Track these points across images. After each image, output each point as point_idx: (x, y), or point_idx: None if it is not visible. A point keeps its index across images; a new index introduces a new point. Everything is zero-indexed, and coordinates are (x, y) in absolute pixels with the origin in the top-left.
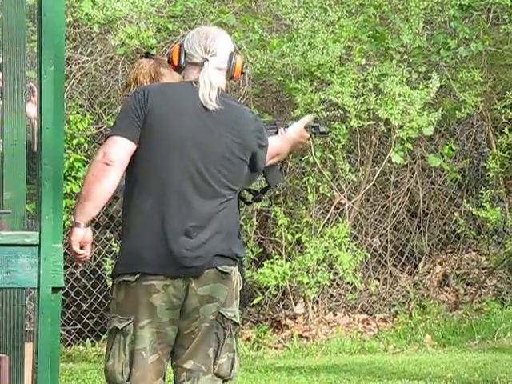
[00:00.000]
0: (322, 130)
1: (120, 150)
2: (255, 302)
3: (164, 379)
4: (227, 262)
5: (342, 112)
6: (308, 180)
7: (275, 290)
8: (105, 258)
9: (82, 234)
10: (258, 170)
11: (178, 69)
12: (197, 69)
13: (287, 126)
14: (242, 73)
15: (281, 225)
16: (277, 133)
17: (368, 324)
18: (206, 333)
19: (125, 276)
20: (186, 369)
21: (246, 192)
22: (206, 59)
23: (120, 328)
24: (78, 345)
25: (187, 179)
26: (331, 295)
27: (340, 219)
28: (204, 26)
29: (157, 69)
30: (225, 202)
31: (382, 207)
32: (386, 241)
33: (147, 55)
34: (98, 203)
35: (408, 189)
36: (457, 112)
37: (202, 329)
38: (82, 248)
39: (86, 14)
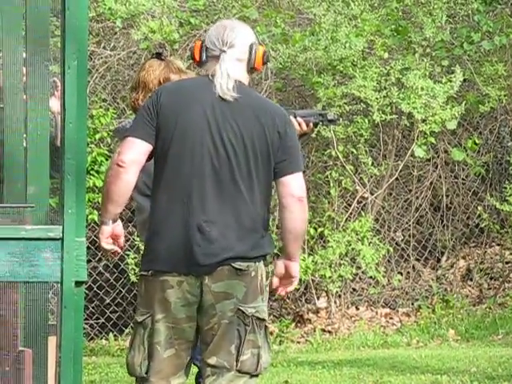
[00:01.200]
0: (330, 117)
1: (132, 150)
2: (277, 296)
3: (186, 375)
4: (246, 258)
5: (364, 106)
6: (330, 174)
7: (298, 284)
8: (127, 253)
9: (110, 230)
10: (294, 165)
11: (200, 64)
12: (216, 62)
13: (295, 115)
14: (264, 63)
15: None
16: None
17: (391, 318)
18: (226, 329)
19: (143, 270)
20: (210, 364)
21: None
22: (224, 51)
23: (140, 321)
24: (101, 339)
25: (202, 173)
26: (354, 289)
27: (362, 213)
28: (225, 20)
29: (166, 75)
30: (244, 196)
31: (405, 201)
32: (409, 235)
33: (158, 56)
34: (119, 203)
35: (431, 183)
36: (480, 106)
37: (222, 325)
38: (114, 242)
39: (109, 8)
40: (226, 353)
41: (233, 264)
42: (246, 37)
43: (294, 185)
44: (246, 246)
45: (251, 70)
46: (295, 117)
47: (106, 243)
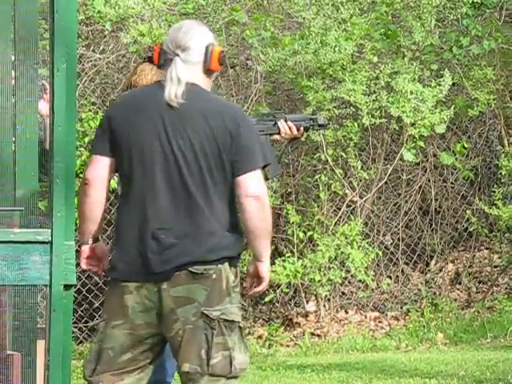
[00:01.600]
0: (321, 122)
1: (94, 166)
2: (267, 299)
3: (146, 375)
4: (203, 261)
5: (353, 110)
6: (320, 178)
7: (287, 287)
8: None
9: (87, 250)
10: (255, 162)
11: (160, 67)
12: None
13: (286, 119)
14: (221, 64)
15: (292, 222)
16: (275, 125)
17: (380, 322)
18: (193, 334)
19: (107, 277)
20: (184, 371)
21: None
22: (177, 54)
23: (95, 326)
24: (90, 342)
25: (154, 183)
26: (343, 293)
27: (352, 217)
28: (182, 21)
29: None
30: (199, 201)
31: (394, 205)
32: (398, 239)
33: (150, 60)
34: (92, 219)
35: (420, 187)
36: (469, 110)
37: (187, 331)
38: (98, 262)
39: (99, 11)
40: (196, 358)
41: (189, 268)
42: (201, 38)
43: (247, 184)
44: (202, 250)
45: (208, 71)
46: (286, 121)
47: (85, 264)
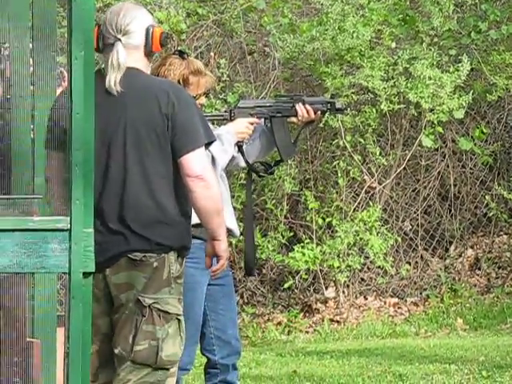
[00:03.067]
0: (338, 106)
1: None
2: (286, 286)
3: (114, 370)
4: (142, 249)
5: (372, 96)
6: (338, 164)
7: (306, 274)
8: None
9: None
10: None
11: (98, 51)
12: (111, 50)
13: (304, 102)
14: (163, 45)
15: (311, 209)
16: (293, 107)
17: (399, 308)
18: (126, 319)
19: None
20: (115, 354)
21: (258, 164)
22: (118, 39)
23: None
24: None
25: (99, 175)
26: (362, 279)
27: (370, 203)
28: (119, 4)
29: (186, 76)
30: (140, 189)
31: (413, 191)
32: (417, 224)
33: (181, 54)
34: None
35: (439, 172)
36: (488, 95)
37: (123, 316)
38: None
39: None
40: (124, 342)
41: (129, 255)
42: (141, 21)
43: (189, 164)
44: (143, 238)
45: (150, 53)
46: (304, 103)
47: None
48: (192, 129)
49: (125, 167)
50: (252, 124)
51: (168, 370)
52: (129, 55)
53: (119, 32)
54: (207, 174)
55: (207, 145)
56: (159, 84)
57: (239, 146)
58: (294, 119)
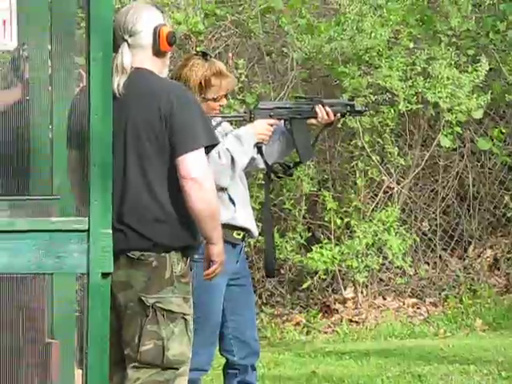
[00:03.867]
0: (358, 108)
1: None
2: (304, 286)
3: (124, 368)
4: (140, 248)
5: (390, 96)
6: (356, 164)
7: (324, 274)
8: None
9: None
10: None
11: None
12: None
13: (323, 104)
14: (171, 44)
15: (330, 209)
16: (312, 109)
17: (418, 308)
18: (130, 320)
19: None
20: (125, 355)
21: (277, 166)
22: (125, 40)
23: None
24: None
25: (114, 171)
26: (381, 279)
27: (389, 203)
28: (129, 4)
29: (208, 78)
30: (140, 188)
31: (432, 191)
32: (436, 225)
33: (204, 55)
34: None
35: (457, 172)
36: (506, 95)
37: (126, 316)
38: None
39: (134, 0)
40: (131, 343)
41: (128, 253)
42: (149, 21)
43: (184, 166)
44: (143, 236)
45: (159, 52)
46: (323, 105)
47: None
48: (190, 130)
49: (125, 167)
50: (272, 125)
51: (177, 369)
52: (136, 55)
53: (126, 33)
54: (203, 177)
55: (209, 148)
56: (162, 85)
57: (258, 147)
58: (313, 121)
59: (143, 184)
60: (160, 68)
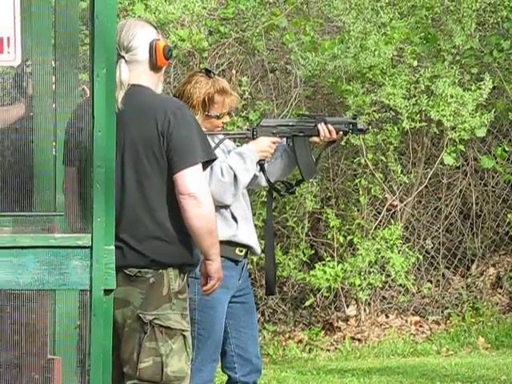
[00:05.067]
0: (360, 126)
1: None
2: (307, 303)
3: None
4: (137, 265)
5: (393, 114)
6: (360, 182)
7: (327, 291)
8: None
9: None
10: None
11: None
12: None
13: (326, 122)
14: (168, 58)
15: (332, 227)
16: (315, 127)
17: (421, 326)
18: (129, 337)
19: None
20: (125, 372)
21: (279, 183)
22: (122, 56)
23: None
24: None
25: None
26: (383, 297)
27: (392, 221)
28: (123, 21)
29: (211, 94)
30: (138, 205)
31: (435, 209)
32: (439, 243)
33: (207, 72)
34: None
35: (460, 190)
36: (510, 113)
37: (125, 333)
38: None
39: (139, 17)
40: (130, 360)
41: (125, 270)
42: (144, 36)
43: (180, 183)
44: (140, 253)
45: (155, 67)
46: (326, 123)
47: None
48: (187, 146)
49: (123, 184)
50: (274, 143)
51: None
52: (133, 71)
53: (122, 49)
54: (200, 193)
55: (207, 163)
56: (159, 102)
57: (261, 164)
58: (315, 139)
59: (141, 201)
60: (156, 83)
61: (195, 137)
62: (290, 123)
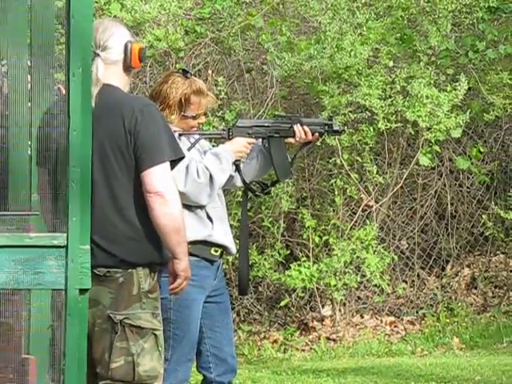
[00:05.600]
0: (336, 128)
1: None
2: (282, 304)
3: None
4: (107, 264)
5: (369, 114)
6: (335, 182)
7: (302, 292)
8: None
9: None
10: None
11: None
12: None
13: (301, 123)
14: (142, 60)
15: (308, 227)
16: (290, 128)
17: (395, 326)
18: (100, 337)
19: None
20: (98, 373)
21: (255, 184)
22: (97, 54)
23: None
24: None
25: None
26: (358, 297)
27: (367, 221)
28: (98, 20)
29: (187, 96)
30: (107, 204)
31: (410, 209)
32: (414, 243)
33: (184, 73)
34: None
35: (436, 191)
36: (485, 114)
37: (95, 333)
38: None
39: (115, 16)
40: (103, 361)
41: (94, 270)
42: (120, 37)
43: (147, 181)
44: (109, 253)
45: (128, 68)
46: (301, 124)
47: None
48: (154, 144)
49: (97, 181)
50: (250, 144)
51: None
52: (107, 70)
53: (98, 47)
54: (167, 191)
55: (175, 162)
56: (126, 100)
57: (236, 165)
58: (291, 140)
59: (109, 200)
60: (125, 84)
61: (163, 135)
62: (266, 124)
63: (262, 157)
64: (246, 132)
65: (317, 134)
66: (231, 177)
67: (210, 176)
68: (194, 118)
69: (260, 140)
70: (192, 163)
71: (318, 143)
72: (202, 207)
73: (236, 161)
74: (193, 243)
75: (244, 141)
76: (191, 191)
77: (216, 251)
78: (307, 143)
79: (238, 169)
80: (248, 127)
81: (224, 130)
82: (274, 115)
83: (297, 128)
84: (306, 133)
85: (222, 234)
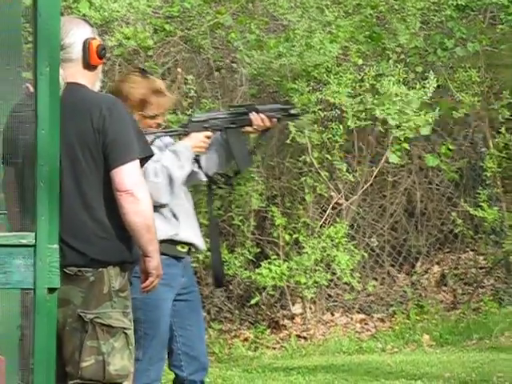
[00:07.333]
0: (293, 111)
1: None
2: (253, 302)
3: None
4: (77, 263)
5: (339, 112)
6: (305, 180)
7: (273, 290)
8: None
9: None
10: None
11: None
12: None
13: (257, 111)
14: (101, 57)
15: (278, 225)
16: (247, 117)
17: (366, 324)
18: (70, 336)
19: None
20: (68, 372)
21: (218, 176)
22: None
23: None
24: None
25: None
26: (329, 295)
27: (337, 219)
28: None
29: (147, 96)
30: (75, 203)
31: (380, 207)
32: (384, 241)
33: (143, 72)
34: None
35: (405, 189)
36: (454, 112)
37: (66, 333)
38: None
39: (83, 15)
40: (73, 360)
41: (64, 270)
42: (78, 34)
43: (117, 180)
44: (79, 252)
45: (89, 66)
46: (258, 112)
47: None
48: (123, 143)
49: (60, 183)
50: (208, 137)
51: (120, 383)
52: (67, 69)
53: None
54: (137, 189)
55: (144, 160)
56: (94, 99)
57: (197, 160)
58: (249, 129)
59: (79, 199)
60: (92, 81)
61: (131, 133)
62: (222, 116)
63: (222, 149)
64: (202, 126)
65: (275, 119)
66: (195, 172)
67: (169, 174)
68: (152, 117)
69: (218, 132)
70: (149, 163)
71: (288, 141)
72: (165, 206)
73: (196, 156)
74: (161, 242)
75: (201, 135)
76: (150, 191)
77: (183, 247)
78: (266, 130)
79: (198, 163)
80: (204, 121)
81: (180, 127)
82: (230, 106)
83: (253, 116)
84: (263, 120)
85: (188, 231)
